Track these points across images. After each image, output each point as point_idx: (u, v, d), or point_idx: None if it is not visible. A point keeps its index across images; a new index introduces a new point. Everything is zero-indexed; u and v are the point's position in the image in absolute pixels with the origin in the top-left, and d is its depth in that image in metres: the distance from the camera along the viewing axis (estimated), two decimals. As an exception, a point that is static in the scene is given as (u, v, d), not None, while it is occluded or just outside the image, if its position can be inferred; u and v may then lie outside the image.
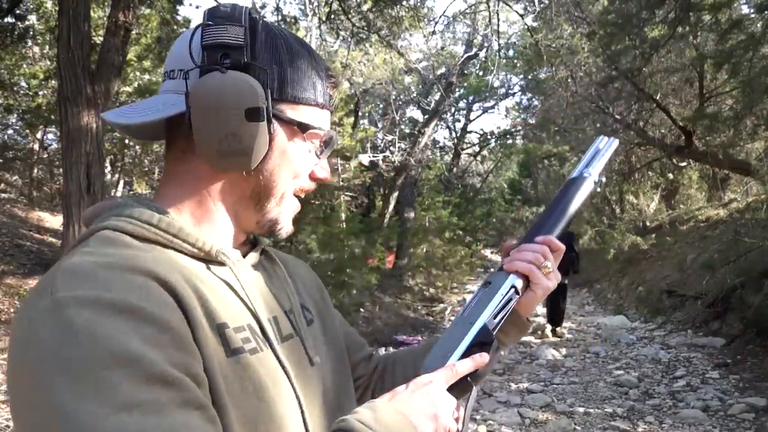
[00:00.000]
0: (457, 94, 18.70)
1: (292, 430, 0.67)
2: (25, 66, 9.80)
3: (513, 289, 0.83)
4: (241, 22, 0.66)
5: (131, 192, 10.36)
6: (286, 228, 0.75)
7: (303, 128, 0.71)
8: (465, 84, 18.54)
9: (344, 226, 9.23)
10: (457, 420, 0.71)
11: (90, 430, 0.49)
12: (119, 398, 0.51)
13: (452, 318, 9.71)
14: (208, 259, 0.68)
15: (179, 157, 0.70)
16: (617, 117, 10.64)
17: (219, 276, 0.68)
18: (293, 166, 0.72)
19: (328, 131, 0.75)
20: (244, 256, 0.75)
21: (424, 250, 12.73)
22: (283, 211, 0.74)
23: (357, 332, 1.00)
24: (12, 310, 4.68)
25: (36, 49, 9.93)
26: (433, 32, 13.71)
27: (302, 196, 0.77)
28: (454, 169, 20.58)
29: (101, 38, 6.06)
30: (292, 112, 0.70)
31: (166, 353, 0.55)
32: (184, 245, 0.66)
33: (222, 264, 0.69)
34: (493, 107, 22.32)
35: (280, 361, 0.68)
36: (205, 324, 0.61)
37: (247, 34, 0.66)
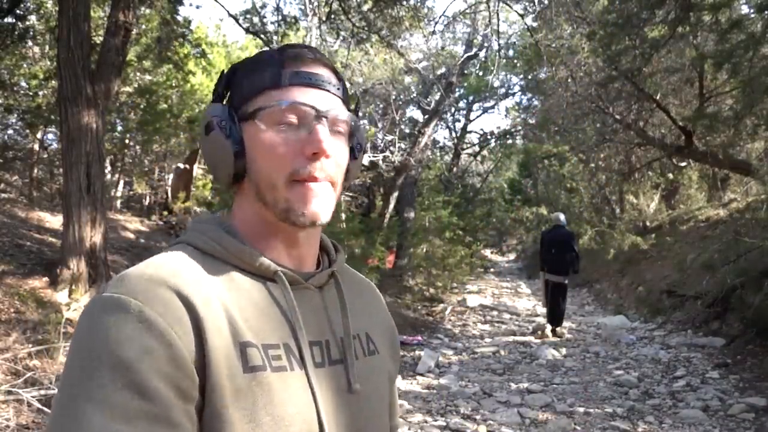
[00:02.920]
0: (457, 94, 18.69)
1: None
2: (25, 66, 9.79)
3: None
4: (227, 72, 0.79)
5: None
6: (307, 213, 0.73)
7: (253, 115, 0.74)
8: (465, 84, 18.54)
9: (344, 226, 9.23)
10: None
11: (65, 409, 0.60)
12: (99, 395, 0.59)
13: (452, 318, 9.74)
14: (266, 277, 0.74)
15: (236, 188, 0.80)
16: (617, 117, 10.63)
17: (272, 293, 0.74)
18: (272, 154, 0.73)
19: (293, 101, 0.72)
20: (309, 278, 0.79)
21: (424, 250, 12.72)
22: (293, 199, 0.73)
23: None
24: (12, 310, 4.68)
25: (36, 49, 9.92)
26: (433, 32, 13.71)
27: (319, 177, 0.74)
28: (454, 169, 20.56)
29: (101, 38, 6.06)
30: (249, 106, 0.75)
31: (159, 366, 0.61)
32: (245, 265, 0.74)
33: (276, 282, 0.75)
34: (493, 107, 22.34)
35: (310, 384, 0.71)
36: (224, 342, 0.66)
37: (226, 73, 0.79)
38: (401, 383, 5.77)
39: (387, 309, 0.97)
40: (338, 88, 0.77)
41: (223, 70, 0.80)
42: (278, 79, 0.73)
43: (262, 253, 0.75)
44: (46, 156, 11.08)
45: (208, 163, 0.78)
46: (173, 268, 0.69)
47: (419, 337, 7.93)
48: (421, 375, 6.11)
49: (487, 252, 26.91)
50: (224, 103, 0.78)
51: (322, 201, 0.74)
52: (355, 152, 0.82)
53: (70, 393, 0.60)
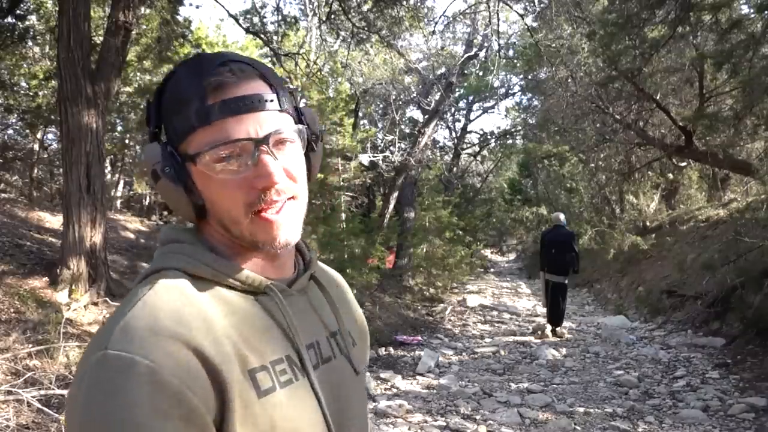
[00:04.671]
0: (457, 94, 18.69)
1: None
2: (25, 66, 9.79)
3: None
4: (150, 102, 0.76)
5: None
6: (276, 243, 0.74)
7: (193, 158, 0.71)
8: (465, 84, 18.53)
9: (344, 226, 9.23)
10: None
11: None
12: None
13: (452, 318, 9.73)
14: (257, 292, 0.76)
15: None
16: (617, 117, 10.64)
17: (265, 307, 0.75)
18: (225, 193, 0.72)
19: (226, 140, 0.69)
20: (292, 283, 0.81)
21: (424, 250, 12.72)
22: (257, 232, 0.73)
23: None
24: (12, 310, 4.68)
25: (36, 49, 9.93)
26: (433, 32, 13.71)
27: (278, 200, 0.73)
28: (454, 169, 20.57)
29: (101, 38, 6.07)
30: (185, 148, 0.72)
31: (175, 426, 0.61)
32: (235, 283, 0.74)
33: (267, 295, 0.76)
34: (493, 107, 22.35)
35: (314, 389, 0.74)
36: (237, 377, 0.67)
37: (151, 107, 0.76)
38: (401, 383, 5.77)
39: (354, 298, 1.01)
40: (272, 99, 0.73)
41: (149, 101, 0.77)
42: (206, 117, 0.70)
43: (249, 268, 0.77)
44: (46, 156, 11.09)
45: (171, 208, 0.77)
46: (176, 312, 0.67)
47: (419, 337, 7.93)
48: (421, 375, 6.11)
49: (487, 252, 26.91)
50: (161, 141, 0.75)
51: (288, 225, 0.74)
52: (312, 145, 0.80)
53: None
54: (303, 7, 14.86)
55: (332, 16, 8.96)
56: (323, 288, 0.86)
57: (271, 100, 0.72)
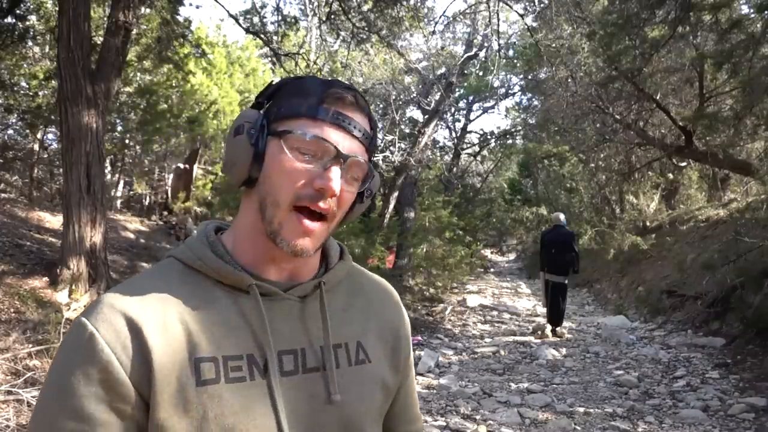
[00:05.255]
0: (457, 94, 18.68)
1: None
2: (25, 66, 9.78)
3: None
4: (273, 85, 0.83)
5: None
6: (292, 245, 0.76)
7: (281, 134, 0.77)
8: (465, 84, 18.52)
9: (344, 226, 9.22)
10: None
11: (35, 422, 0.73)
12: (44, 417, 0.71)
13: (452, 318, 9.73)
14: (241, 290, 0.78)
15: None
16: (617, 117, 10.63)
17: (244, 306, 0.78)
18: (285, 176, 0.76)
19: (316, 137, 0.75)
20: (289, 288, 0.81)
21: (424, 250, 12.71)
22: (285, 225, 0.76)
23: (419, 406, 1.02)
24: (12, 310, 4.68)
25: (36, 49, 9.92)
26: (433, 32, 13.72)
27: (316, 210, 0.77)
28: (454, 169, 20.56)
29: (101, 38, 6.06)
30: (282, 125, 0.78)
31: (97, 391, 0.69)
32: (221, 278, 0.78)
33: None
34: (493, 107, 22.33)
35: (271, 392, 0.74)
36: (176, 359, 0.72)
37: (272, 86, 0.83)
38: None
39: (400, 312, 0.97)
40: (367, 137, 0.80)
41: (272, 81, 0.84)
42: (315, 111, 0.77)
43: (252, 264, 0.80)
44: (46, 156, 11.08)
45: (226, 162, 0.80)
46: (140, 293, 0.75)
47: (419, 337, 7.93)
48: (421, 375, 6.11)
49: (487, 252, 26.90)
50: (261, 112, 0.81)
51: (313, 239, 0.78)
52: (363, 197, 0.85)
53: (36, 412, 0.73)
54: (303, 7, 14.87)
55: (332, 16, 8.96)
56: (322, 301, 0.83)
57: (367, 137, 0.81)
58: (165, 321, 0.73)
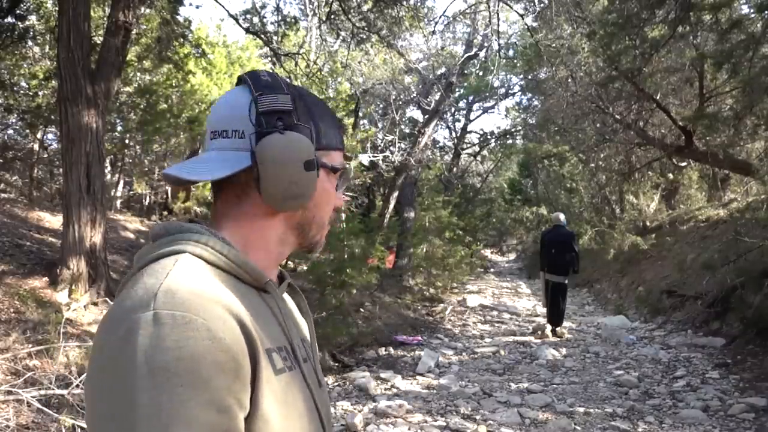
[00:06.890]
0: (457, 94, 18.68)
1: None
2: (25, 66, 9.79)
3: None
4: (285, 90, 0.82)
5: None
6: (321, 247, 0.92)
7: (335, 171, 0.88)
8: (465, 84, 18.52)
9: (344, 226, 9.22)
10: None
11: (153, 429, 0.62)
12: (183, 413, 0.62)
13: (452, 318, 9.73)
14: (260, 287, 0.82)
15: (234, 201, 0.84)
16: (617, 117, 10.63)
17: (266, 302, 0.82)
18: (330, 200, 0.89)
19: (349, 168, 0.92)
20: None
21: (424, 250, 12.71)
22: (323, 237, 0.91)
23: None
24: (12, 310, 4.68)
25: (36, 49, 9.92)
26: (433, 32, 13.71)
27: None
28: (454, 169, 20.56)
29: (101, 38, 6.06)
30: (327, 158, 0.86)
31: (229, 381, 0.67)
32: (245, 275, 0.80)
33: (268, 291, 0.83)
34: (493, 107, 22.32)
35: (305, 379, 0.82)
36: (262, 351, 0.73)
37: (293, 100, 0.82)
38: (401, 383, 5.77)
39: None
40: None
41: (276, 76, 0.86)
42: (341, 143, 0.90)
43: (262, 267, 0.85)
44: (46, 156, 11.09)
45: (285, 189, 0.80)
46: (210, 282, 0.73)
47: (419, 337, 7.93)
48: (421, 375, 6.11)
49: (487, 252, 26.91)
50: (311, 138, 0.84)
51: None
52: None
53: (148, 413, 0.62)
54: (303, 7, 14.87)
55: (332, 16, 8.96)
56: (302, 298, 0.97)
57: None
58: (244, 311, 0.73)
